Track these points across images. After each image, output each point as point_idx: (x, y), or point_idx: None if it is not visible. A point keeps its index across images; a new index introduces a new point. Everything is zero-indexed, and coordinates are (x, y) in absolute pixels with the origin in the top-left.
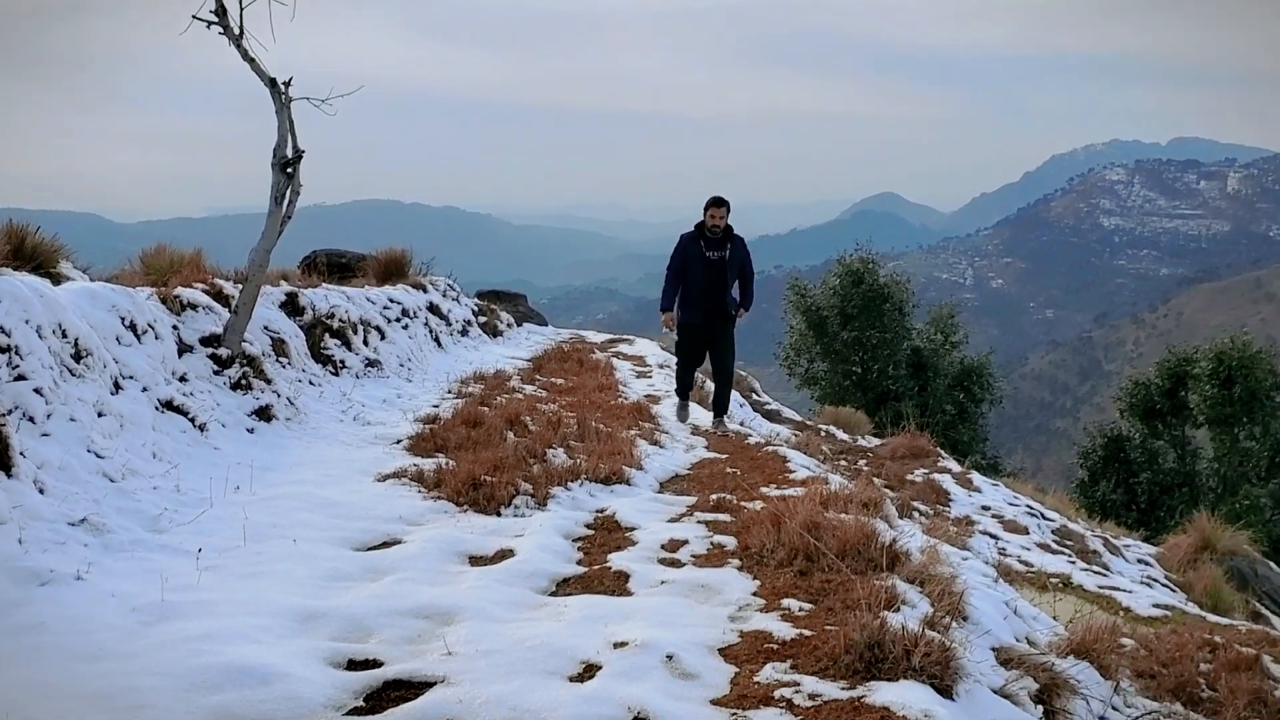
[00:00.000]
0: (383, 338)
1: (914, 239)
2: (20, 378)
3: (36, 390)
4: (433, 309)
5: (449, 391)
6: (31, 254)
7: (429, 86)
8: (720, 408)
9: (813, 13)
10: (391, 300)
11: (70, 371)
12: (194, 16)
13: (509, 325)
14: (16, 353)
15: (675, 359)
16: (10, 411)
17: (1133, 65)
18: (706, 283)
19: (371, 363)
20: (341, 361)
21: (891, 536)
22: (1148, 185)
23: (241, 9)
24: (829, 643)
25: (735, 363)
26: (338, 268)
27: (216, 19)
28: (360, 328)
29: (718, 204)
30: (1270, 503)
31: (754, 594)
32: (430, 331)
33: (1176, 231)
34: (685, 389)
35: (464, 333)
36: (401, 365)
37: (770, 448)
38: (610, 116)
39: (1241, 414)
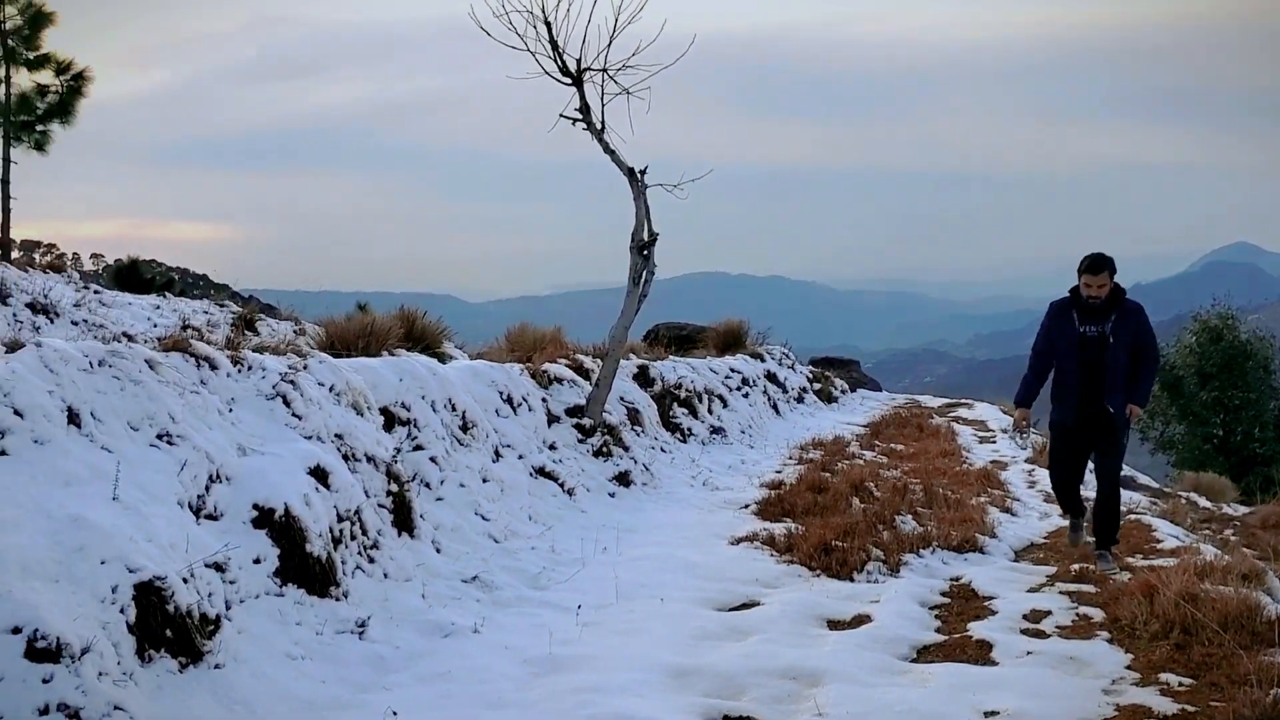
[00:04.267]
0: (725, 406)
1: (1275, 291)
2: (418, 447)
3: (432, 459)
4: (770, 377)
5: (790, 458)
6: (420, 335)
7: (747, 158)
8: (1105, 537)
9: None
10: (732, 370)
11: (459, 441)
12: (561, 114)
13: (843, 391)
14: (415, 425)
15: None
16: (411, 478)
17: None
18: (1082, 368)
19: (716, 430)
20: (689, 429)
21: (1277, 610)
22: None
23: (603, 105)
24: None
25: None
26: (678, 339)
27: (580, 116)
28: (704, 397)
29: (1094, 269)
30: None
31: (1127, 667)
32: (768, 399)
33: None
34: (1071, 511)
35: (800, 399)
36: (743, 432)
37: (1133, 516)
38: (925, 178)
39: None
